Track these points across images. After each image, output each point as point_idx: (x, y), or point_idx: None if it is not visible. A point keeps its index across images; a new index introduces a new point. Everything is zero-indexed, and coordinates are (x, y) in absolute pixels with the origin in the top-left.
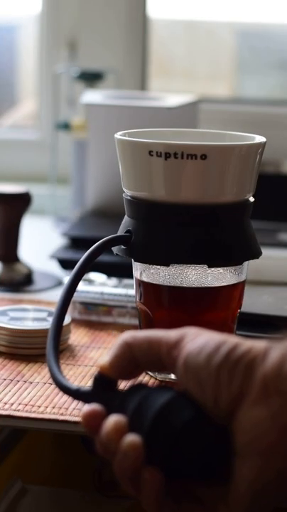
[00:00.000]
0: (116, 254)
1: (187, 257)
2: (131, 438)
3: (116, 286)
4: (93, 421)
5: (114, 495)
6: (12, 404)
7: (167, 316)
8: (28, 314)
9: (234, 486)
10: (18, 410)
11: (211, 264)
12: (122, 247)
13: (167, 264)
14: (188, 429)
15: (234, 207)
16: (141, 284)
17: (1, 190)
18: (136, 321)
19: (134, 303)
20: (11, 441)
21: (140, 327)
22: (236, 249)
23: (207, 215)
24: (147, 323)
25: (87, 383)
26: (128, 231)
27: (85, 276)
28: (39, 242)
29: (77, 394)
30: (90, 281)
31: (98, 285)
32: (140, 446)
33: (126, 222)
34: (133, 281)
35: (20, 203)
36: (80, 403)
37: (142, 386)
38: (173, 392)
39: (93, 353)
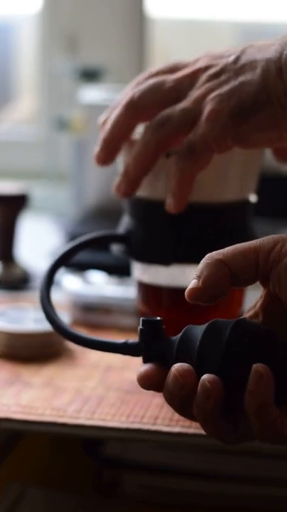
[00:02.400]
0: (116, 254)
1: (188, 257)
2: (207, 376)
3: (116, 287)
4: (151, 381)
5: (115, 496)
6: (10, 406)
7: (167, 317)
8: (26, 314)
9: None
10: (17, 412)
11: None
12: (122, 246)
13: (167, 264)
14: (265, 345)
15: (235, 206)
16: (140, 284)
17: None
18: (136, 322)
19: (134, 303)
20: (9, 444)
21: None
22: None
23: (208, 214)
24: None
25: (86, 384)
26: (127, 230)
27: (85, 277)
28: (38, 240)
29: (124, 348)
30: (90, 282)
31: (98, 286)
32: (219, 381)
33: (125, 221)
34: (133, 282)
35: (17, 204)
36: (79, 401)
37: (193, 328)
38: (232, 323)
39: (92, 354)
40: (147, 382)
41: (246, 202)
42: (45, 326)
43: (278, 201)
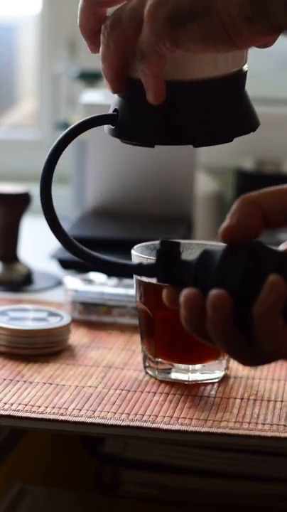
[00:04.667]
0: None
1: (173, 137)
2: (214, 291)
3: (116, 286)
4: (171, 303)
5: (115, 494)
6: (12, 404)
7: (167, 316)
8: (27, 314)
9: None
10: (18, 410)
11: (198, 144)
12: (111, 127)
13: (152, 145)
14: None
15: (224, 81)
16: (140, 283)
17: (0, 190)
18: (136, 321)
19: (134, 303)
20: (11, 442)
21: (140, 327)
22: (227, 125)
23: (194, 91)
24: (147, 323)
25: (86, 383)
26: (115, 110)
27: (85, 276)
28: (39, 242)
29: (139, 270)
30: (90, 281)
31: (98, 285)
32: (225, 294)
33: (114, 100)
34: (133, 281)
35: (20, 203)
36: (80, 400)
37: (211, 250)
38: (251, 245)
39: (93, 353)
40: (169, 304)
41: (238, 74)
42: (47, 325)
43: None
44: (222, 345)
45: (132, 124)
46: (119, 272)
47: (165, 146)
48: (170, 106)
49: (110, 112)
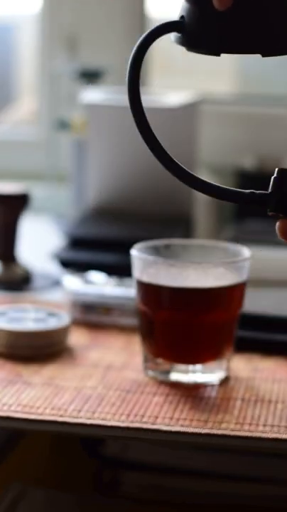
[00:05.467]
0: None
1: (240, 45)
2: None
3: (116, 287)
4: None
5: (115, 495)
6: (11, 405)
7: (167, 317)
8: (27, 314)
9: None
10: (17, 411)
11: (266, 53)
12: (177, 34)
13: (218, 54)
14: None
15: None
16: (141, 284)
17: None
18: (135, 322)
19: (134, 303)
20: (10, 443)
21: (140, 328)
22: None
23: None
24: (147, 323)
25: (86, 384)
26: (181, 17)
27: (85, 277)
28: (38, 241)
29: (250, 198)
30: (90, 282)
31: (98, 285)
32: None
33: (181, 6)
34: (133, 282)
35: (18, 204)
36: (80, 401)
37: None
38: None
39: (93, 354)
40: (282, 236)
41: None
42: (46, 326)
43: None
44: None
45: (198, 31)
46: (228, 199)
47: (232, 54)
48: (237, 12)
49: (177, 18)
